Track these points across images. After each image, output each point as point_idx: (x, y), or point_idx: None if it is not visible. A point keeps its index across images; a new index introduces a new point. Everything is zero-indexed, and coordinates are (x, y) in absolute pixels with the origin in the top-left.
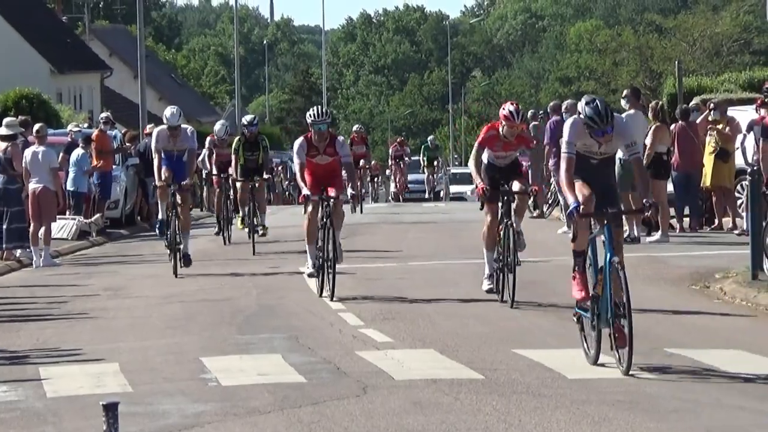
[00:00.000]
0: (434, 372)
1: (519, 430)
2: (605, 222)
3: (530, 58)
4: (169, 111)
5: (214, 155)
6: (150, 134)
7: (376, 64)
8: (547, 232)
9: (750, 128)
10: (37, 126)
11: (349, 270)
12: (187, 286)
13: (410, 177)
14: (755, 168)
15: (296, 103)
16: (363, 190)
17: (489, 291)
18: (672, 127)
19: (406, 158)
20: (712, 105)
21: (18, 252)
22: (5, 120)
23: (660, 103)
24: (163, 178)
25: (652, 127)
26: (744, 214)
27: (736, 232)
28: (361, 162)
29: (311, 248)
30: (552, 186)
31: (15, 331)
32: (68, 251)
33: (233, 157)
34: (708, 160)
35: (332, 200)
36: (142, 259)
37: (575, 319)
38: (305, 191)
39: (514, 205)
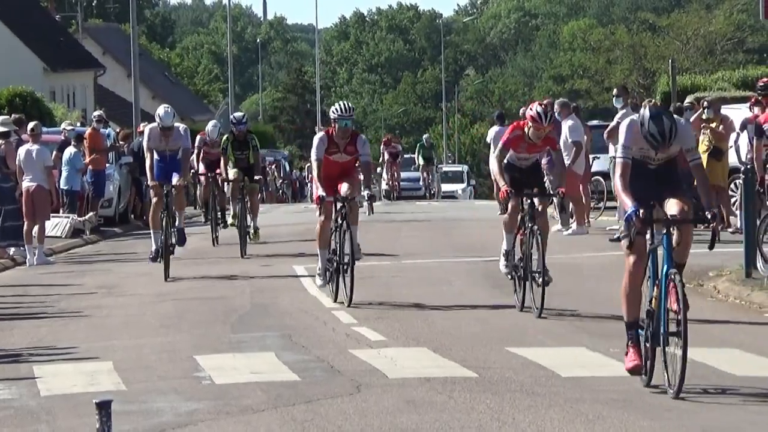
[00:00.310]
0: (428, 370)
1: (513, 428)
2: (664, 231)
3: (524, 57)
4: (162, 110)
5: (202, 153)
6: (143, 132)
7: (369, 63)
8: None
9: (743, 127)
10: (31, 124)
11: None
12: (181, 284)
13: (402, 175)
14: (749, 166)
15: (289, 102)
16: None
17: (506, 274)
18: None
19: (399, 155)
20: (705, 103)
21: (12, 250)
22: None
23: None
24: (154, 180)
25: None
26: (738, 212)
27: (730, 230)
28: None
29: (323, 254)
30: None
31: (9, 329)
32: (62, 249)
33: (222, 156)
34: (701, 159)
35: (348, 201)
36: (136, 258)
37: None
38: (320, 192)
39: (537, 223)
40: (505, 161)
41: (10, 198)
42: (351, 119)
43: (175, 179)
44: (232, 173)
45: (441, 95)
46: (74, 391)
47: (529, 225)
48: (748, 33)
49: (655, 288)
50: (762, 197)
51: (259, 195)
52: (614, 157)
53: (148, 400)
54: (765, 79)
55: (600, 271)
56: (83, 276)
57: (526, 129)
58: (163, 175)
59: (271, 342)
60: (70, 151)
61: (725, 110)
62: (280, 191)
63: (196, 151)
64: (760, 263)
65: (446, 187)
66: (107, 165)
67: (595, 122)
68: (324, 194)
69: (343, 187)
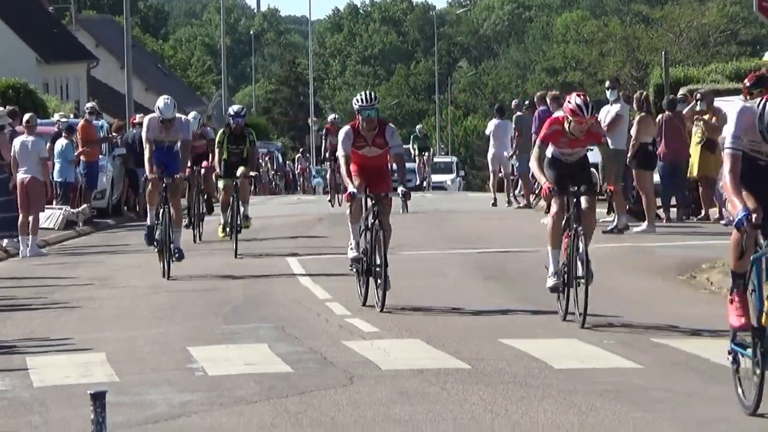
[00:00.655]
0: (421, 362)
1: (505, 419)
2: None
3: (516, 49)
4: (162, 102)
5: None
6: (137, 124)
7: (362, 55)
8: (533, 222)
9: None
10: (26, 116)
11: (335, 260)
12: (174, 276)
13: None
14: None
15: (283, 93)
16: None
17: (554, 289)
18: (658, 117)
19: None
20: (698, 95)
21: (5, 242)
22: None
23: (644, 93)
24: (153, 172)
25: (637, 118)
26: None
27: (723, 222)
28: (337, 153)
29: (355, 228)
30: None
31: (1, 321)
32: (55, 241)
33: (216, 150)
34: (694, 151)
35: (382, 198)
36: (129, 249)
37: (729, 358)
38: (351, 188)
39: (582, 222)
40: (549, 156)
41: (3, 189)
42: (375, 109)
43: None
44: (222, 182)
45: (434, 87)
46: (67, 383)
47: (575, 226)
48: (741, 25)
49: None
50: None
51: (252, 187)
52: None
53: (142, 392)
54: (752, 76)
55: (593, 263)
56: (76, 268)
57: (565, 123)
58: (161, 167)
59: (264, 333)
60: (61, 142)
61: (718, 102)
62: (273, 183)
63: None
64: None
65: (435, 178)
66: (100, 157)
67: None
68: (355, 190)
69: (377, 188)
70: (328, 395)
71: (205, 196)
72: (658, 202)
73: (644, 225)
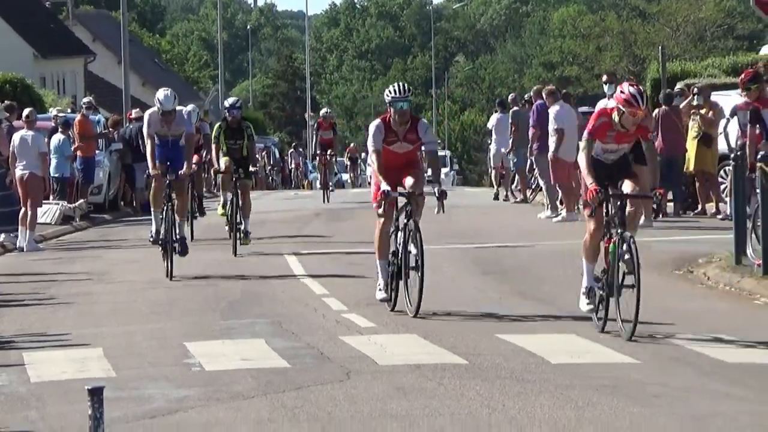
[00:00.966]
0: (418, 357)
1: (502, 415)
2: None
3: (513, 44)
4: (161, 94)
5: None
6: (134, 119)
7: (359, 49)
8: (530, 217)
9: (733, 113)
10: (26, 111)
11: (332, 255)
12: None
13: None
14: (738, 153)
15: (280, 88)
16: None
17: (590, 311)
18: (655, 112)
19: None
20: (695, 90)
21: (2, 237)
22: None
23: (641, 88)
24: (156, 168)
25: None
26: (727, 199)
27: (720, 217)
28: (328, 150)
29: (383, 264)
30: (535, 171)
31: None
32: (52, 236)
33: (213, 145)
34: (691, 145)
35: (415, 195)
36: (126, 244)
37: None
38: (384, 186)
39: (628, 213)
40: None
41: (1, 184)
42: (408, 101)
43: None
44: (223, 162)
45: (431, 82)
46: (64, 378)
47: (619, 231)
48: (738, 20)
49: None
50: (753, 184)
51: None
52: None
53: (139, 387)
54: (749, 72)
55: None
56: (73, 263)
57: (614, 115)
58: (165, 163)
59: (261, 329)
60: (58, 137)
61: (715, 97)
62: (270, 178)
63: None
64: (749, 250)
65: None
66: (97, 152)
67: (585, 108)
68: (388, 188)
69: (408, 181)
70: (324, 390)
71: (196, 196)
72: None
73: (641, 219)
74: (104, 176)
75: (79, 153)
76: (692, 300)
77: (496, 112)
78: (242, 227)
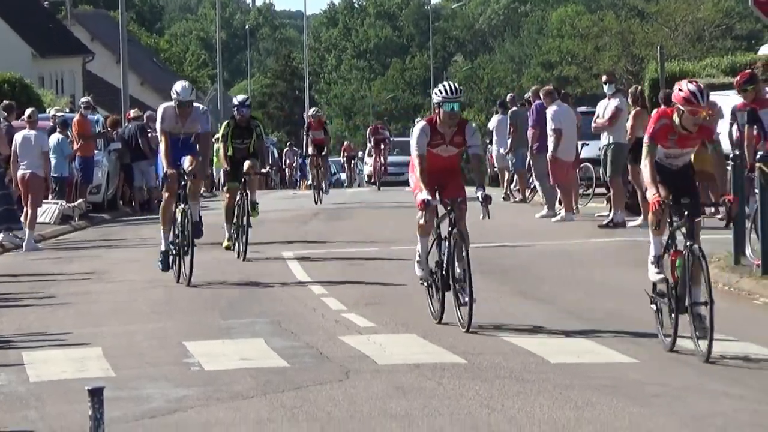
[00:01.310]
0: (417, 357)
1: (502, 414)
2: None
3: (512, 43)
4: (179, 85)
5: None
6: (133, 119)
7: (357, 49)
8: (529, 216)
9: (734, 114)
10: (28, 111)
11: (331, 255)
12: (170, 271)
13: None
14: (737, 153)
15: (278, 88)
16: (326, 180)
17: (660, 281)
18: (653, 111)
19: (387, 141)
20: None
21: (1, 236)
22: None
23: (639, 88)
24: (172, 167)
25: (632, 112)
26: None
27: (719, 216)
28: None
29: (424, 242)
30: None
31: None
32: (51, 236)
33: (221, 145)
34: None
35: (458, 203)
36: (125, 244)
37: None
38: (425, 195)
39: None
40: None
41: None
42: (459, 102)
43: (186, 163)
44: (227, 188)
45: (429, 82)
46: (63, 378)
47: (688, 244)
48: (736, 20)
49: None
50: (752, 184)
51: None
52: (607, 146)
53: (138, 387)
54: (745, 73)
55: (589, 258)
56: (72, 262)
57: (675, 116)
58: (175, 162)
59: (260, 328)
60: (56, 137)
61: (713, 96)
62: (269, 178)
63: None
64: (748, 250)
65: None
66: (96, 151)
67: (583, 108)
68: (429, 198)
69: (450, 192)
70: (324, 390)
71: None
72: None
73: (640, 219)
74: (103, 176)
75: (78, 152)
76: None
77: (496, 113)
78: (250, 201)
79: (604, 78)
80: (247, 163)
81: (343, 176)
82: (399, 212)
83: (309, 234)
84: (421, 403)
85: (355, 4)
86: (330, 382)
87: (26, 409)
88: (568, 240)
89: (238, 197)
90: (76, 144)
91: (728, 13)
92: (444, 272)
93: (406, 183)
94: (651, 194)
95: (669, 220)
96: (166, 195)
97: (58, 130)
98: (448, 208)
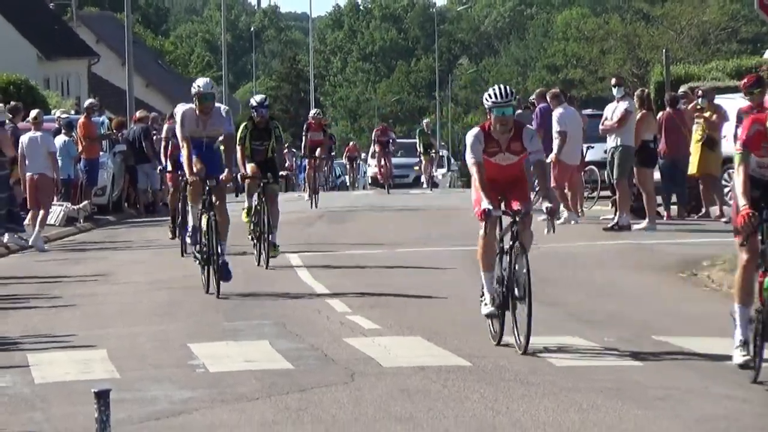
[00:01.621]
0: (422, 359)
1: (507, 417)
2: None
3: (517, 46)
4: (201, 80)
5: (171, 147)
6: (138, 121)
7: (363, 52)
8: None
9: (739, 118)
10: (33, 113)
11: (335, 257)
12: (175, 272)
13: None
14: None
15: (283, 90)
16: (322, 181)
17: (746, 363)
18: (659, 114)
19: (391, 143)
20: (700, 92)
21: (5, 237)
22: None
23: (645, 90)
24: (194, 174)
25: (638, 115)
26: (731, 202)
27: (724, 219)
28: (317, 151)
29: (488, 277)
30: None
31: (2, 317)
32: (56, 237)
33: (239, 148)
34: (695, 148)
35: (521, 215)
36: (130, 246)
37: None
38: (485, 204)
39: None
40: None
41: (4, 185)
42: (512, 106)
43: (223, 176)
44: (249, 168)
45: (435, 84)
46: (68, 379)
47: None
48: (741, 23)
49: None
50: None
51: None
52: (614, 148)
53: (143, 389)
54: (751, 77)
55: (593, 260)
56: (77, 264)
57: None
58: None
59: (265, 330)
60: (62, 139)
61: (719, 100)
62: (289, 180)
63: (163, 143)
64: None
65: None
66: (101, 153)
67: (589, 111)
68: (491, 207)
69: (517, 205)
70: (329, 392)
71: None
72: (659, 199)
73: (645, 222)
74: (108, 178)
75: (83, 154)
76: (696, 302)
77: None
78: (270, 238)
79: (613, 81)
80: (269, 187)
81: (346, 178)
82: (404, 214)
83: (313, 236)
84: (425, 405)
85: (361, 7)
86: (335, 384)
87: (31, 411)
88: (572, 243)
89: (256, 200)
90: (81, 146)
91: (734, 16)
92: (505, 289)
93: (410, 185)
94: (741, 205)
95: (761, 237)
96: (190, 187)
97: (63, 131)
98: (514, 219)
